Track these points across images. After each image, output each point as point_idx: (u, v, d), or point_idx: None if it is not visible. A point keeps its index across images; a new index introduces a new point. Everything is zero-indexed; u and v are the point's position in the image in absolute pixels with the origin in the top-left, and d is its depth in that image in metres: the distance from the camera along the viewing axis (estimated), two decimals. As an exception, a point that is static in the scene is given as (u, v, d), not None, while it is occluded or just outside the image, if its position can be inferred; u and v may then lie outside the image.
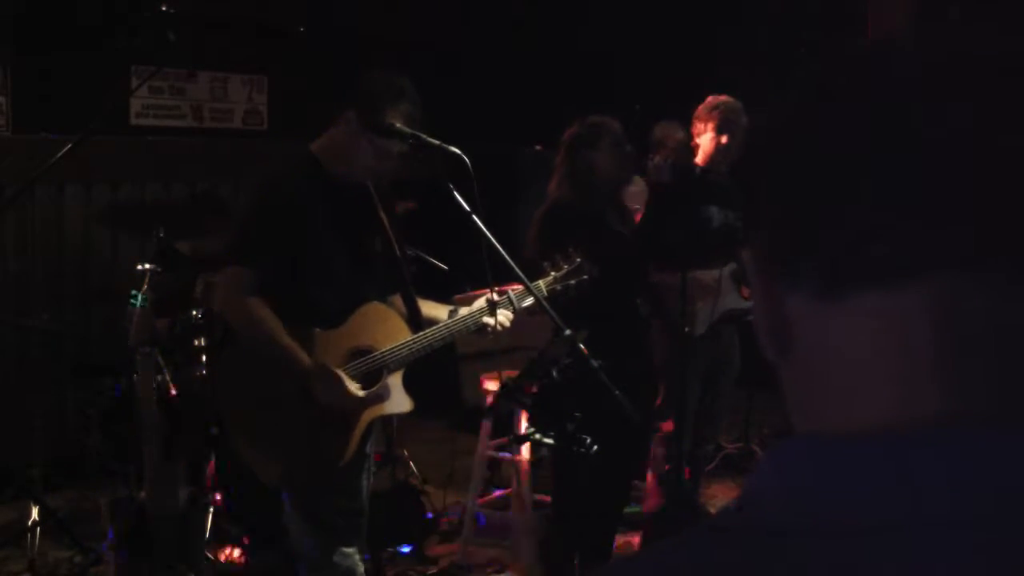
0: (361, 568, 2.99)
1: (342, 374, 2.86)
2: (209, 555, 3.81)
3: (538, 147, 6.73)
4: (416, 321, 3.02)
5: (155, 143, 5.86)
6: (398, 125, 2.85)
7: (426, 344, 2.98)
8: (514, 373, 3.59)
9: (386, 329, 2.99)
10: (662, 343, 4.18)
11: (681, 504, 4.36)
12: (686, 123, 4.51)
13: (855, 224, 0.56)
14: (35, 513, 4.23)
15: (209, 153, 6.00)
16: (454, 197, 2.79)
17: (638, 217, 4.22)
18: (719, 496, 5.12)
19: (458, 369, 5.35)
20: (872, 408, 0.57)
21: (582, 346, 2.69)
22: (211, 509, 3.90)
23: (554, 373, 2.88)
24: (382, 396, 2.96)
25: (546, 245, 3.38)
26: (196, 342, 4.23)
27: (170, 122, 6.04)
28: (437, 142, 2.82)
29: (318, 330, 2.89)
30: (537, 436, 3.26)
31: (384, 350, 2.95)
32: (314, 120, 3.04)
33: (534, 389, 2.92)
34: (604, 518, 3.87)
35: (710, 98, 4.33)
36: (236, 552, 3.98)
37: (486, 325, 3.00)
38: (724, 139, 4.22)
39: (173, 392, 4.14)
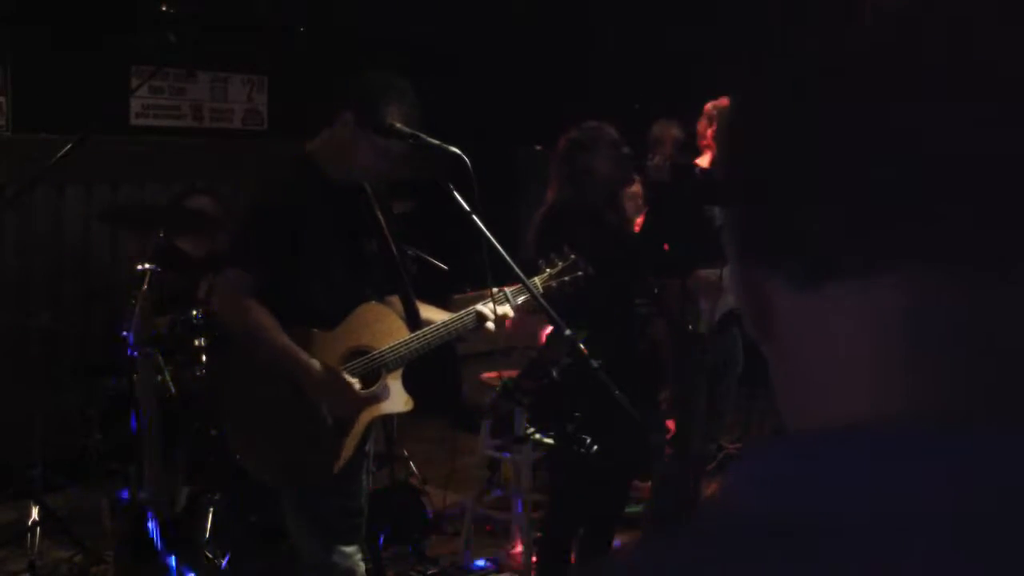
0: (362, 568, 2.99)
1: (346, 375, 2.86)
2: (209, 555, 3.81)
3: (538, 147, 6.73)
4: (414, 320, 3.01)
5: (155, 143, 5.86)
6: (398, 125, 2.85)
7: (424, 343, 2.97)
8: (514, 373, 3.60)
9: (384, 328, 2.99)
10: (666, 342, 4.18)
11: (682, 504, 4.36)
12: (683, 122, 4.52)
13: (829, 217, 0.56)
14: (35, 513, 4.23)
15: (209, 153, 6.00)
16: (454, 197, 2.79)
17: (637, 220, 4.23)
18: (719, 496, 5.12)
19: (458, 369, 5.36)
20: (845, 402, 0.57)
21: (582, 346, 2.69)
22: (211, 509, 3.90)
23: (554, 373, 2.89)
24: (381, 396, 2.95)
25: (544, 245, 3.37)
26: (196, 342, 4.23)
27: (170, 122, 6.05)
28: (437, 142, 2.82)
29: (316, 330, 2.89)
30: (537, 436, 3.27)
31: (382, 349, 2.95)
32: (314, 120, 3.04)
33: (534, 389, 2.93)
34: (604, 518, 3.86)
35: (723, 99, 4.31)
36: (236, 552, 3.98)
37: (485, 319, 3.00)
38: None
39: (173, 392, 4.14)
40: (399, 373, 3.00)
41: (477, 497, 4.52)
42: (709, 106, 4.33)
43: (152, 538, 3.49)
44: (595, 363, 2.65)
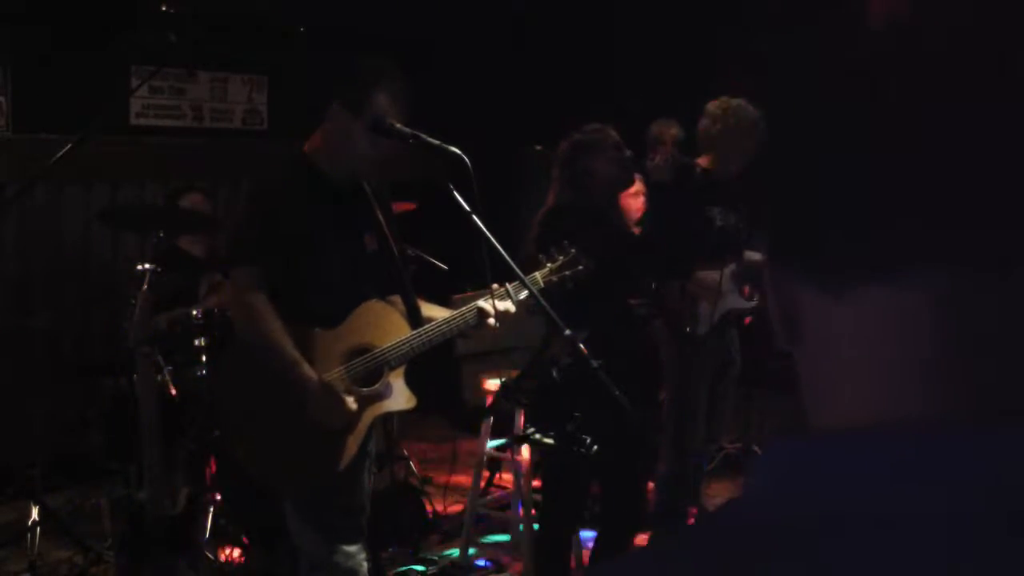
0: (364, 568, 2.99)
1: (341, 392, 2.85)
2: (209, 555, 3.81)
3: (538, 147, 6.73)
4: (416, 318, 3.01)
5: (155, 143, 5.86)
6: (398, 125, 2.85)
7: (426, 340, 2.97)
8: (514, 373, 3.59)
9: (386, 327, 2.98)
10: (666, 343, 4.18)
11: (683, 505, 4.36)
12: (684, 121, 4.51)
13: (853, 219, 0.56)
14: (35, 513, 4.23)
15: (209, 153, 6.00)
16: (454, 197, 2.79)
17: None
18: (719, 496, 5.13)
19: (458, 369, 5.36)
20: (866, 403, 0.58)
21: (582, 346, 2.69)
22: (211, 509, 3.90)
23: (554, 373, 2.89)
24: (383, 394, 2.95)
25: (544, 242, 3.37)
26: (196, 342, 4.23)
27: (170, 122, 6.05)
28: (437, 142, 2.82)
29: (318, 329, 2.89)
30: (537, 436, 3.27)
31: (384, 347, 2.94)
32: (314, 120, 3.04)
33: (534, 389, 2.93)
34: (620, 520, 3.86)
35: (725, 98, 4.29)
36: (236, 552, 3.98)
37: (486, 314, 2.99)
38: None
39: (173, 392, 4.14)
40: (401, 371, 3.00)
41: (477, 497, 4.52)
42: (712, 105, 4.29)
43: (152, 538, 3.48)
44: (595, 363, 2.65)
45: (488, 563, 4.46)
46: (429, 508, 4.64)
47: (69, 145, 3.66)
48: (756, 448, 5.71)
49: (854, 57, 0.58)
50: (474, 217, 2.76)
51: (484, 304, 2.99)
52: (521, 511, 4.38)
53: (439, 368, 3.51)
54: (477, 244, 2.70)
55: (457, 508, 4.85)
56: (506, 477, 5.02)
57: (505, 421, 4.50)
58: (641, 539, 4.02)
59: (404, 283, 3.05)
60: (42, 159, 3.80)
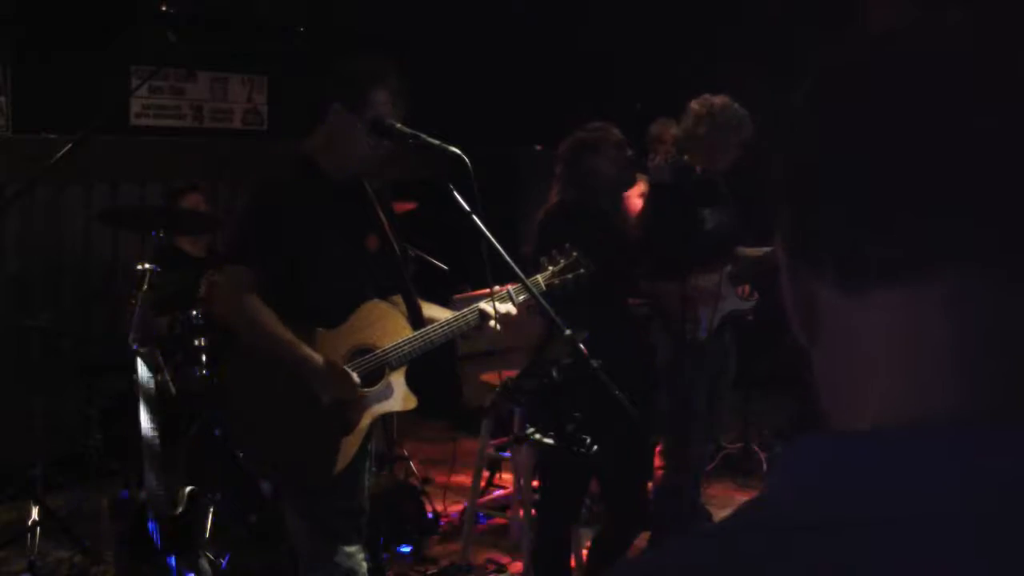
0: (364, 568, 2.98)
1: (346, 368, 2.85)
2: (209, 555, 3.80)
3: (538, 147, 6.74)
4: (417, 319, 3.01)
5: (155, 143, 5.86)
6: (398, 126, 2.85)
7: (427, 341, 2.97)
8: (514, 373, 3.59)
9: (387, 327, 2.98)
10: (663, 349, 4.15)
11: (683, 506, 4.36)
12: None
13: (867, 220, 0.56)
14: (35, 513, 4.23)
15: (209, 153, 6.00)
16: (454, 197, 2.79)
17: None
18: (719, 496, 5.13)
19: (458, 369, 5.36)
20: (887, 402, 0.58)
21: (582, 346, 2.69)
22: (211, 509, 3.90)
23: (554, 373, 2.88)
24: (384, 395, 2.95)
25: (546, 243, 3.37)
26: (196, 342, 4.23)
27: (170, 122, 6.05)
28: (437, 142, 2.82)
29: (320, 330, 2.89)
30: (537, 436, 3.26)
31: (385, 348, 2.94)
32: (314, 120, 3.04)
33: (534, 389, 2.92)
34: (623, 521, 3.86)
35: (706, 96, 4.24)
36: (236, 552, 3.98)
37: (488, 317, 2.99)
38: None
39: (173, 392, 4.15)
40: (402, 372, 3.00)
41: (477, 497, 4.52)
42: (695, 104, 4.19)
43: (152, 538, 3.48)
44: (595, 363, 2.65)
45: (488, 563, 4.46)
46: (429, 508, 4.64)
47: (69, 145, 3.66)
48: (756, 448, 5.71)
49: (856, 53, 0.58)
50: (474, 217, 2.75)
51: (486, 306, 2.99)
52: (521, 511, 4.38)
53: (439, 368, 3.51)
54: (477, 244, 2.70)
55: (457, 508, 4.85)
56: (506, 477, 5.02)
57: (505, 421, 4.51)
58: (641, 540, 4.02)
59: (406, 283, 3.05)
60: (42, 159, 3.80)
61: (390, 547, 4.32)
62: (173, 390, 4.16)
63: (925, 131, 0.55)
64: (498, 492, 4.93)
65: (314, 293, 2.90)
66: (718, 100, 4.13)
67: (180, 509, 3.47)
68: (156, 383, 3.70)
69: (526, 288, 2.86)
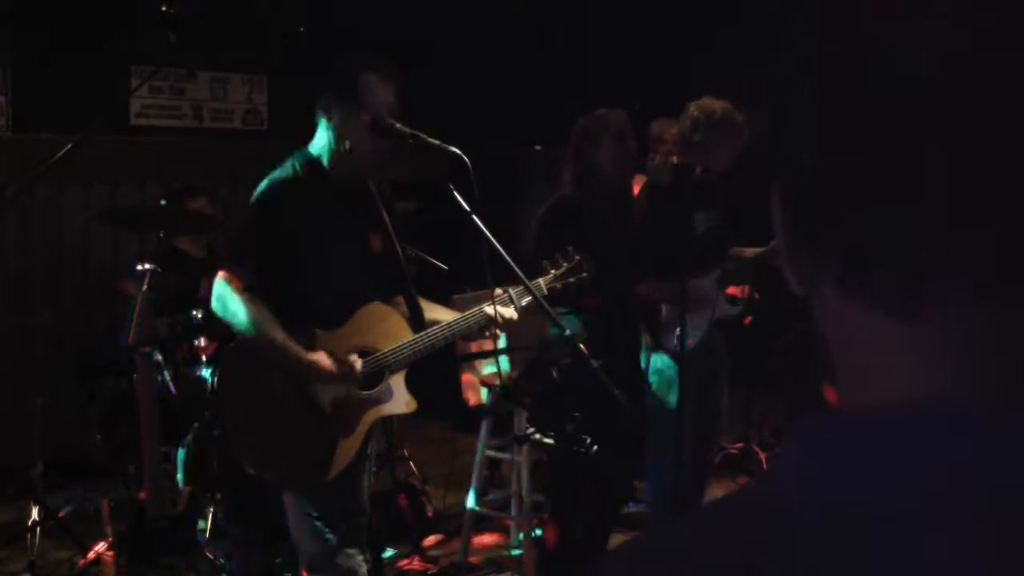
0: (364, 569, 2.98)
1: (343, 357, 2.84)
2: (209, 555, 3.81)
3: (538, 147, 6.74)
4: (418, 321, 3.01)
5: (155, 143, 5.86)
6: (398, 125, 2.85)
7: (428, 344, 2.97)
8: (514, 373, 3.59)
9: (388, 329, 2.98)
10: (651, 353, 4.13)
11: (682, 507, 4.35)
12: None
13: (854, 228, 0.57)
14: (35, 513, 4.23)
15: (209, 153, 6.00)
16: (454, 197, 2.79)
17: None
18: (719, 496, 5.12)
19: (458, 369, 5.36)
20: (885, 390, 0.58)
21: (582, 346, 2.69)
22: (211, 509, 3.90)
23: (554, 373, 2.89)
24: (384, 397, 2.95)
25: (545, 242, 3.36)
26: (196, 342, 4.23)
27: (170, 122, 6.05)
28: (437, 142, 2.82)
29: (320, 331, 2.89)
30: (537, 436, 3.27)
31: (386, 350, 2.94)
32: (314, 120, 3.04)
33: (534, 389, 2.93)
34: (601, 517, 3.85)
35: (705, 99, 4.21)
36: (236, 552, 3.98)
37: (490, 320, 2.99)
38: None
39: (173, 392, 4.15)
40: (402, 374, 3.00)
41: (477, 497, 4.51)
42: (693, 109, 4.15)
43: (152, 538, 3.49)
44: (595, 363, 2.65)
45: (488, 563, 4.46)
46: (429, 508, 4.63)
47: (69, 145, 3.66)
48: (756, 448, 5.71)
49: (852, 49, 0.58)
50: (474, 217, 2.75)
51: (489, 311, 2.99)
52: (521, 511, 4.38)
53: (439, 368, 3.51)
54: (477, 244, 2.70)
55: (457, 508, 4.84)
56: (506, 477, 5.02)
57: (505, 421, 4.50)
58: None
59: (408, 285, 3.04)
60: (42, 159, 3.80)
61: (390, 547, 4.33)
62: (173, 390, 4.16)
63: (915, 145, 0.54)
64: (498, 492, 4.93)
65: (316, 294, 2.89)
66: (717, 107, 4.06)
67: (180, 509, 3.48)
68: (156, 383, 3.70)
69: (528, 291, 2.86)
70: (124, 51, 5.49)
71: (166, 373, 4.16)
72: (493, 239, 2.72)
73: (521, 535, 4.43)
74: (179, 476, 4.00)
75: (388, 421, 3.18)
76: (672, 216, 3.98)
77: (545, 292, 3.11)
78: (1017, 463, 0.52)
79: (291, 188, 2.89)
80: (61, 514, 4.37)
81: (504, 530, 4.70)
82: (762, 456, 5.59)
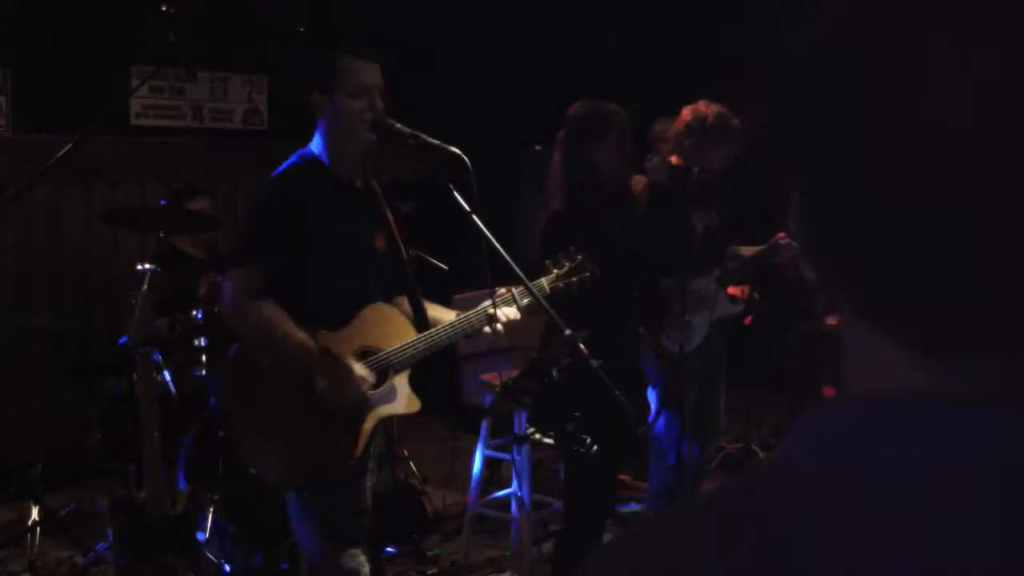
0: (367, 568, 2.98)
1: (353, 363, 2.84)
2: (209, 555, 3.81)
3: (538, 147, 6.73)
4: (421, 321, 3.01)
5: (155, 143, 5.86)
6: (398, 125, 2.85)
7: (431, 344, 2.97)
8: (514, 373, 3.59)
9: (391, 329, 2.98)
10: (651, 357, 4.12)
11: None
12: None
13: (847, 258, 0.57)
14: (35, 513, 4.23)
15: (209, 153, 6.00)
16: (454, 197, 2.79)
17: None
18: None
19: (458, 369, 5.36)
20: (891, 381, 0.58)
21: (582, 346, 2.69)
22: (211, 509, 3.90)
23: (554, 373, 2.88)
24: (387, 397, 2.95)
25: (549, 248, 3.35)
26: (196, 342, 4.23)
27: (170, 122, 6.05)
28: (437, 142, 2.82)
29: (323, 331, 2.88)
30: (537, 436, 3.26)
31: (389, 350, 2.94)
32: (314, 120, 3.04)
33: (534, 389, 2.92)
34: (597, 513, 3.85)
35: (699, 103, 4.20)
36: (236, 552, 3.98)
37: (491, 320, 2.99)
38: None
39: (173, 392, 4.15)
40: (405, 374, 3.00)
41: (477, 497, 4.52)
42: (688, 114, 4.14)
43: (152, 538, 3.49)
44: (595, 363, 2.65)
45: (488, 563, 4.46)
46: (429, 508, 4.63)
47: (69, 145, 3.66)
48: (756, 448, 5.71)
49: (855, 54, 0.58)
50: (474, 217, 2.75)
51: (491, 310, 2.99)
52: (521, 511, 4.38)
53: (439, 368, 3.50)
54: (477, 244, 2.70)
55: (457, 508, 4.84)
56: (506, 477, 5.02)
57: (505, 421, 4.50)
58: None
59: (411, 285, 3.04)
60: (42, 159, 3.80)
61: (390, 547, 4.33)
62: (173, 390, 4.16)
63: (917, 169, 0.54)
64: (498, 492, 4.93)
65: (319, 294, 2.89)
66: (712, 113, 4.05)
67: (180, 509, 3.48)
68: (156, 383, 3.70)
69: (530, 291, 2.86)
70: (124, 51, 5.48)
71: (166, 373, 4.16)
72: (493, 239, 2.72)
73: (521, 535, 4.43)
74: (179, 476, 4.00)
75: (388, 421, 3.18)
76: (671, 216, 3.98)
77: (548, 291, 3.10)
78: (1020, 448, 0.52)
79: (293, 188, 2.89)
80: (61, 514, 4.37)
81: (504, 530, 4.70)
82: (762, 456, 5.59)
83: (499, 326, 2.99)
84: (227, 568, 3.82)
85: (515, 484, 4.38)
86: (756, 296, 4.31)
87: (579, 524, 3.75)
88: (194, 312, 4.23)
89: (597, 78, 6.45)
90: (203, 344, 4.22)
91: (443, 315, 3.08)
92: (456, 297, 4.49)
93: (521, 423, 4.27)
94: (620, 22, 6.69)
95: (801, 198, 0.60)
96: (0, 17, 5.24)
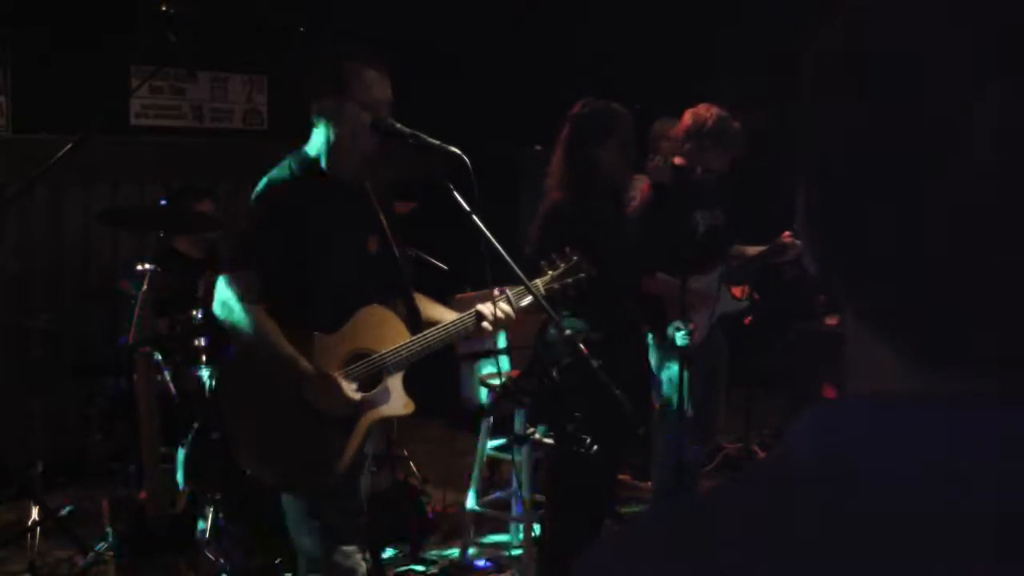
0: (363, 568, 2.98)
1: (340, 380, 2.85)
2: (209, 555, 3.81)
3: (538, 147, 6.73)
4: (415, 322, 3.01)
5: (155, 143, 5.86)
6: (398, 125, 2.84)
7: (425, 345, 2.97)
8: (515, 373, 3.59)
9: (385, 331, 2.98)
10: (654, 355, 4.12)
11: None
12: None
13: (850, 263, 0.58)
14: (35, 513, 4.23)
15: (209, 153, 6.00)
16: (454, 197, 2.79)
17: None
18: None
19: (458, 369, 5.36)
20: (889, 380, 0.59)
21: (582, 346, 2.69)
22: (211, 509, 3.90)
23: (554, 373, 2.88)
24: (382, 399, 2.95)
25: (546, 246, 3.35)
26: (196, 342, 4.23)
27: (170, 122, 6.05)
28: (437, 142, 2.81)
29: (318, 333, 2.88)
30: (537, 436, 3.26)
31: (383, 352, 2.94)
32: (312, 120, 3.03)
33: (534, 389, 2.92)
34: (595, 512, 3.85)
35: (700, 107, 4.20)
36: (236, 552, 3.98)
37: (484, 317, 2.98)
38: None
39: (173, 392, 4.15)
40: (400, 376, 3.00)
41: (477, 497, 4.52)
42: (689, 117, 4.13)
43: (152, 538, 3.48)
44: (595, 363, 2.65)
45: (488, 563, 4.46)
46: (429, 508, 4.63)
47: (69, 145, 3.66)
48: (756, 448, 5.71)
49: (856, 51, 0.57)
50: (474, 217, 2.75)
51: (483, 309, 2.98)
52: (521, 511, 4.38)
53: (439, 368, 3.51)
54: (477, 244, 2.70)
55: (457, 508, 4.84)
56: (506, 477, 5.02)
57: (505, 421, 4.50)
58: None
59: (405, 286, 3.04)
60: (42, 159, 3.80)
61: (390, 547, 4.32)
62: (173, 390, 4.16)
63: (915, 184, 0.54)
64: (498, 492, 4.93)
65: (314, 296, 2.89)
66: (712, 117, 4.06)
67: (180, 509, 3.47)
68: (156, 383, 3.70)
69: (528, 290, 2.86)
70: (124, 51, 5.48)
71: (166, 373, 4.16)
72: (493, 239, 2.72)
73: (521, 535, 4.43)
74: (179, 476, 4.00)
75: (387, 421, 3.18)
76: (673, 215, 3.98)
77: (543, 292, 3.10)
78: (1018, 443, 0.53)
79: (288, 189, 2.88)
80: (61, 514, 4.37)
81: (504, 530, 4.70)
82: (762, 456, 5.59)
83: (485, 324, 2.98)
84: (227, 568, 3.82)
85: (515, 484, 4.38)
86: (756, 296, 4.32)
87: (565, 523, 3.75)
88: (194, 312, 4.23)
89: (597, 78, 6.46)
90: (203, 344, 4.22)
91: (446, 316, 3.08)
92: (456, 297, 4.49)
93: (522, 423, 4.27)
94: (621, 22, 6.69)
95: (803, 198, 0.60)
96: (0, 17, 5.24)
